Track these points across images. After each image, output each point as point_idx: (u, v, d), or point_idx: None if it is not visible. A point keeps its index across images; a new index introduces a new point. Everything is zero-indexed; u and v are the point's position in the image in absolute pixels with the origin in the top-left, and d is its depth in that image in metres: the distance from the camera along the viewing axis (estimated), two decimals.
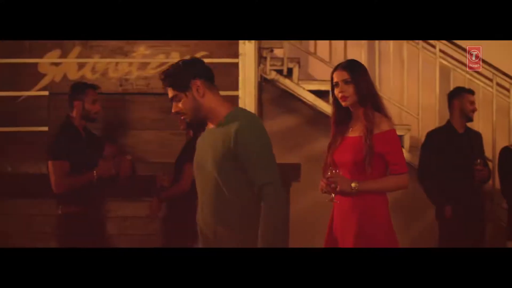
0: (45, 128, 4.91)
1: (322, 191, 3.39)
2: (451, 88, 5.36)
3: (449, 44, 5.63)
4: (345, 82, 3.33)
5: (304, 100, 5.75)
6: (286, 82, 5.73)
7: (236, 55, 4.96)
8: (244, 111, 3.07)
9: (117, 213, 4.71)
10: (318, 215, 5.74)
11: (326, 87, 5.80)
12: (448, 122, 5.11)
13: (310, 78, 6.09)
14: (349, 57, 5.72)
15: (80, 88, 4.48)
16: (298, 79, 5.78)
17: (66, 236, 4.29)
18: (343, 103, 3.36)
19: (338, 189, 3.26)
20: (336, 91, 3.38)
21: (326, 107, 5.70)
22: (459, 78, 5.67)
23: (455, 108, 5.07)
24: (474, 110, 5.07)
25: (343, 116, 3.42)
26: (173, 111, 3.00)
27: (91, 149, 4.42)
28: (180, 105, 2.97)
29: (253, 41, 4.94)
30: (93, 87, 4.50)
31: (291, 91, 5.75)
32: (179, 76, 2.96)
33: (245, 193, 2.90)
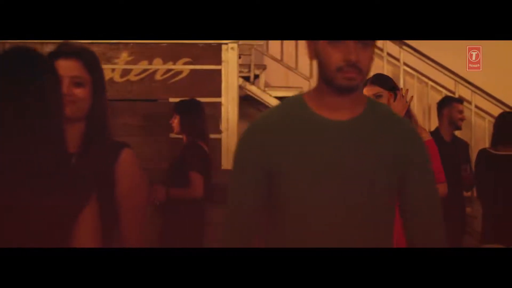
0: None
1: None
2: (414, 98, 5.55)
3: (413, 52, 5.91)
4: (377, 96, 3.33)
5: (270, 106, 5.86)
6: (253, 89, 5.82)
7: (219, 61, 4.99)
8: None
9: None
10: None
11: (293, 93, 5.93)
12: (436, 129, 5.23)
13: (268, 85, 6.20)
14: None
15: None
16: (265, 86, 5.90)
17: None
18: None
19: None
20: None
21: None
22: (423, 89, 5.95)
23: (444, 117, 5.20)
24: (462, 119, 5.21)
25: None
26: (353, 58, 1.89)
27: None
28: (361, 54, 1.92)
29: (235, 49, 4.97)
30: None
31: (257, 98, 5.84)
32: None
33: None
